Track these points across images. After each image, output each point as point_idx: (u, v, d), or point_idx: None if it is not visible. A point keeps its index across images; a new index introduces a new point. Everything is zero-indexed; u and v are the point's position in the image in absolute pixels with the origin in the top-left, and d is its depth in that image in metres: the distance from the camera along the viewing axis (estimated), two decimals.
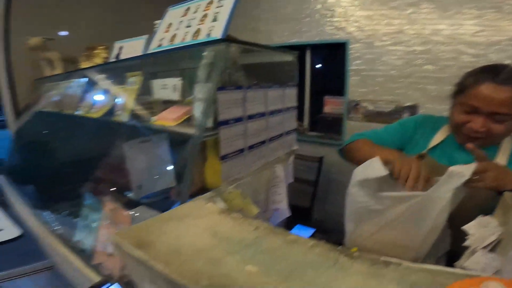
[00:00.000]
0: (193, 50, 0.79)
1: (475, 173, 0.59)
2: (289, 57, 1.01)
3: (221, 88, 0.65)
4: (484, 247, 0.55)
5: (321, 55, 3.03)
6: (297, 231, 1.16)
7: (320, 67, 3.07)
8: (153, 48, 0.99)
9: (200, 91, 0.68)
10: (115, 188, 0.97)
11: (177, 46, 0.86)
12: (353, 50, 2.54)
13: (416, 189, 0.61)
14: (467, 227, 0.58)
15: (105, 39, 1.50)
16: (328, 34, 2.67)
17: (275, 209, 0.90)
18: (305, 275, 0.34)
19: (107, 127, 1.02)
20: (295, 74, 1.03)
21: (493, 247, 0.54)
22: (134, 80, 0.96)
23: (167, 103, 0.83)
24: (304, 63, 2.97)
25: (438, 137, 0.81)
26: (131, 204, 0.90)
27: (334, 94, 2.81)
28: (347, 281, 0.32)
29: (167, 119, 0.75)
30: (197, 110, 0.67)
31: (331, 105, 2.84)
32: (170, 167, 1.02)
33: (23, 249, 1.89)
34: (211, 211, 0.51)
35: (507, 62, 1.93)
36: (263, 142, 0.82)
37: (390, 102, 2.40)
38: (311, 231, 1.17)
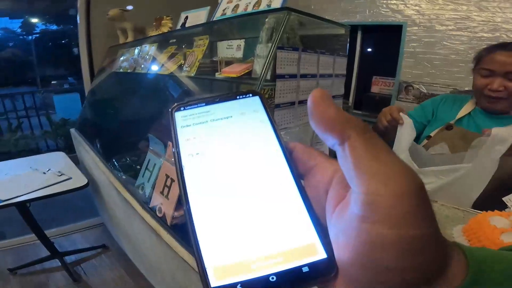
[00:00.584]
0: (256, 18, 0.89)
1: None
2: (341, 31, 1.07)
3: (280, 47, 0.75)
4: None
5: (372, 37, 2.92)
6: None
7: (370, 48, 2.97)
8: (217, 17, 1.12)
9: (262, 49, 0.79)
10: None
11: (241, 14, 0.98)
12: (410, 33, 2.42)
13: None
14: (506, 199, 0.58)
15: (173, 10, 1.67)
16: (383, 16, 2.57)
17: None
18: None
19: (175, 83, 1.18)
20: (346, 46, 1.08)
21: None
22: (201, 43, 1.11)
23: (228, 63, 0.96)
24: (355, 44, 2.90)
25: (464, 110, 0.91)
26: None
27: (383, 75, 2.73)
28: None
29: (231, 72, 0.88)
30: (258, 64, 0.78)
31: (379, 85, 2.78)
32: None
33: (80, 204, 2.16)
34: None
35: None
36: None
37: (447, 85, 2.29)
38: None
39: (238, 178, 0.17)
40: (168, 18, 1.71)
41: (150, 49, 1.52)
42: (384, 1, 2.56)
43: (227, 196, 0.16)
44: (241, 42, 0.91)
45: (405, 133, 0.86)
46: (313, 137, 0.92)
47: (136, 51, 1.69)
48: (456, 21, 2.21)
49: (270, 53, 0.76)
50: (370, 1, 2.64)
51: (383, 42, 2.87)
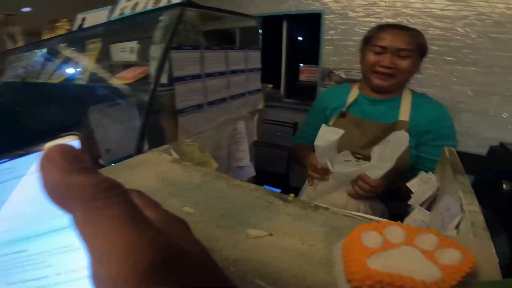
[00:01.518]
0: (152, 16, 0.79)
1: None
2: (251, 23, 1.03)
3: (176, 47, 0.67)
4: (421, 204, 0.54)
5: (298, 26, 3.02)
6: None
7: (297, 37, 3.07)
8: (114, 17, 0.99)
9: (155, 50, 0.70)
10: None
11: (136, 13, 0.86)
12: (328, 21, 2.55)
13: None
14: (410, 184, 0.60)
15: (71, 12, 1.44)
16: (304, 4, 2.66)
17: (239, 167, 0.96)
18: (240, 214, 0.36)
19: (72, 92, 1.01)
20: (259, 38, 1.05)
21: (432, 203, 0.54)
22: (94, 47, 0.97)
23: (127, 67, 0.85)
24: (281, 33, 2.95)
25: (351, 97, 0.95)
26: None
27: (310, 63, 2.85)
28: (278, 221, 0.34)
29: (125, 78, 0.77)
30: (152, 67, 0.69)
31: (306, 74, 2.89)
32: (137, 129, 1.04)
33: None
34: (164, 160, 0.52)
35: (473, 36, 2.02)
36: (224, 99, 0.86)
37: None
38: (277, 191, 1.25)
39: None
40: (64, 20, 1.47)
41: (41, 56, 1.28)
42: None
43: None
44: (134, 44, 0.80)
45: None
46: (230, 138, 0.88)
47: (26, 58, 1.42)
48: (365, 7, 2.37)
49: (164, 55, 0.67)
50: None
51: (307, 30, 2.99)
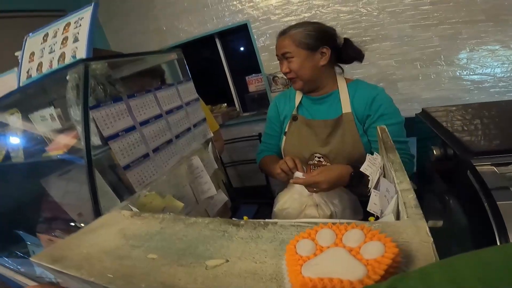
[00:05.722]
0: (60, 75, 0.75)
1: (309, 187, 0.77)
2: (173, 56, 1.03)
3: (95, 106, 0.64)
4: (375, 186, 0.56)
5: (230, 40, 3.08)
6: (242, 212, 1.22)
7: (233, 51, 3.11)
8: (23, 81, 0.92)
9: (75, 114, 0.66)
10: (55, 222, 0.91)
11: (44, 74, 0.82)
12: (255, 29, 2.64)
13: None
14: (363, 169, 0.63)
15: None
16: (229, 19, 2.71)
17: (209, 198, 0.94)
18: (197, 249, 0.38)
19: (15, 171, 0.93)
20: (186, 69, 1.05)
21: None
22: (15, 118, 0.89)
23: (56, 133, 0.79)
24: (218, 50, 2.99)
25: (297, 100, 0.99)
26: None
27: (254, 72, 2.91)
28: (232, 247, 0.37)
29: (57, 148, 0.71)
30: (80, 132, 0.65)
31: (254, 84, 2.95)
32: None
33: None
34: (123, 217, 0.53)
35: (375, 14, 2.22)
36: (169, 141, 0.84)
37: None
38: (254, 208, 1.25)
39: None
40: None
41: None
42: (225, 4, 2.68)
43: None
44: (52, 111, 0.75)
45: None
46: (189, 175, 0.86)
47: None
48: (282, 8, 2.49)
49: (86, 116, 0.64)
50: (214, 8, 2.73)
51: (241, 43, 3.06)
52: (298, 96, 0.99)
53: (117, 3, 3.04)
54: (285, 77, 0.96)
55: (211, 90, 3.12)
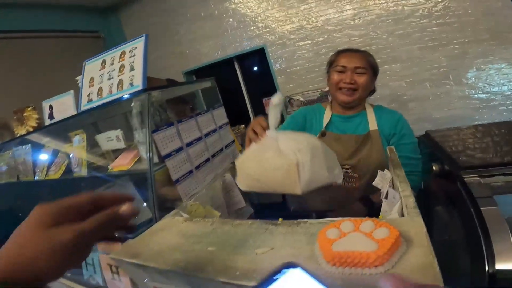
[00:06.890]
0: (124, 102, 0.92)
1: None
2: (208, 84, 1.20)
3: (155, 130, 0.80)
4: (385, 197, 0.66)
5: (249, 64, 3.28)
6: None
7: (251, 73, 3.30)
8: (84, 104, 1.04)
9: (139, 136, 0.83)
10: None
11: (108, 100, 0.94)
12: (271, 53, 2.84)
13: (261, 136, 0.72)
14: (375, 183, 0.73)
15: (30, 100, 1.43)
16: (247, 43, 2.94)
17: (238, 209, 1.07)
18: (247, 243, 0.49)
19: (68, 185, 1.07)
20: (218, 96, 1.23)
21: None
22: (79, 138, 1.04)
23: (116, 151, 0.96)
24: (236, 73, 3.20)
25: (326, 117, 1.10)
26: (120, 240, 0.98)
27: (270, 94, 3.06)
28: (274, 240, 0.48)
29: (121, 164, 0.87)
30: (142, 152, 0.81)
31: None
32: (141, 201, 1.12)
33: None
34: (178, 222, 0.65)
35: (384, 37, 2.37)
36: (207, 160, 0.99)
37: (315, 90, 2.73)
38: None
39: None
40: (29, 108, 1.48)
41: (26, 151, 1.30)
42: (243, 30, 2.90)
43: None
44: (118, 133, 0.92)
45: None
46: (223, 189, 1.00)
47: (11, 155, 1.41)
48: (297, 34, 2.69)
49: (148, 139, 0.80)
50: (233, 33, 2.95)
51: (258, 66, 3.26)
52: (328, 114, 1.10)
53: (144, 30, 3.35)
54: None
55: (230, 112, 3.30)
